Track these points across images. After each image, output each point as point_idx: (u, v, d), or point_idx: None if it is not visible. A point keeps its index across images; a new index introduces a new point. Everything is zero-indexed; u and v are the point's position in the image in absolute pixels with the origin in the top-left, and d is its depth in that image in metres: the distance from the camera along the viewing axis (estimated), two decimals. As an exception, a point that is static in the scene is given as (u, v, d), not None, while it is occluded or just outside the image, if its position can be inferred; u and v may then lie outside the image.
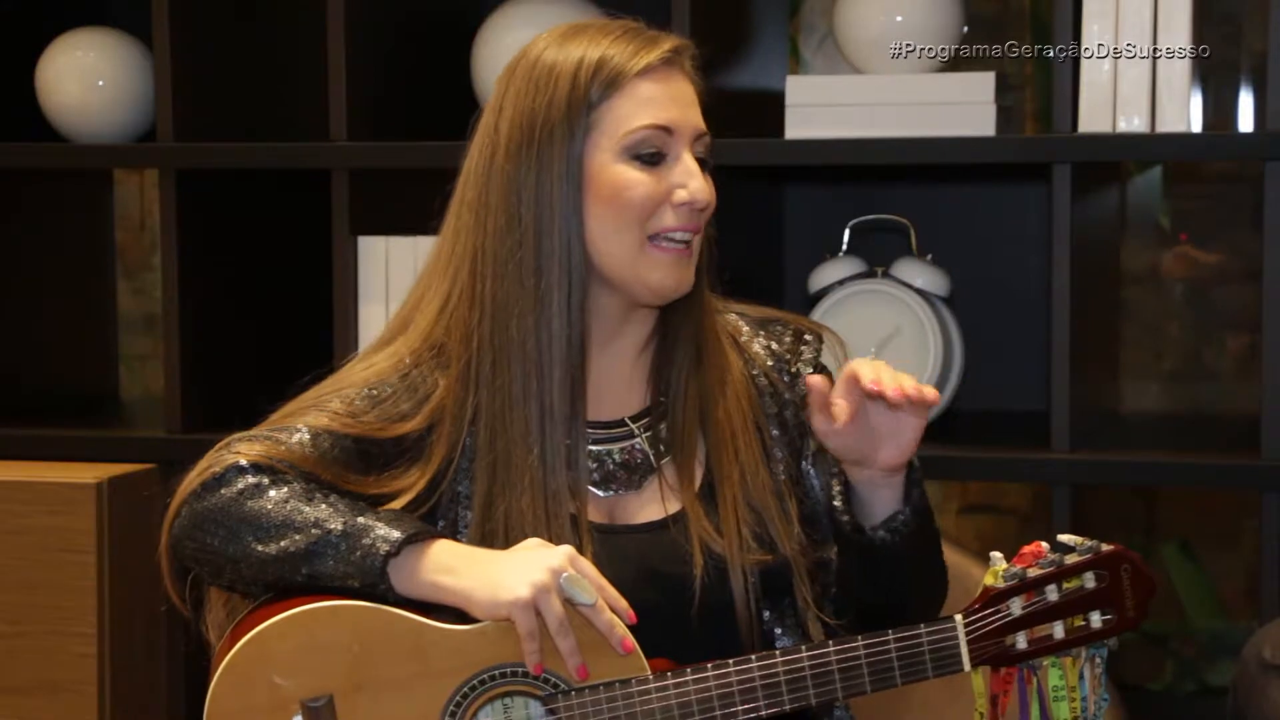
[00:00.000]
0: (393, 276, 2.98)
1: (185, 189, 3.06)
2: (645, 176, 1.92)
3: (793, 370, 2.04)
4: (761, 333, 2.07)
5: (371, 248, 2.99)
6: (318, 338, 3.08)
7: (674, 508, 1.97)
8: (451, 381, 1.94)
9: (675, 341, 2.00)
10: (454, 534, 1.93)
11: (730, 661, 1.83)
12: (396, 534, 1.83)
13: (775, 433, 2.02)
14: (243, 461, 1.88)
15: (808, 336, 2.07)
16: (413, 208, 3.04)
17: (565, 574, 1.79)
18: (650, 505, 1.98)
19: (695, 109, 1.96)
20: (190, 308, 3.07)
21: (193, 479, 1.90)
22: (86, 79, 3.21)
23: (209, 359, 3.12)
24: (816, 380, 1.87)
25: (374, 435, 1.93)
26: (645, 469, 1.99)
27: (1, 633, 2.81)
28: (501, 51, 3.01)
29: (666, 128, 1.92)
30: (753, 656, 1.84)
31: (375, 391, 1.95)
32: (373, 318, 2.98)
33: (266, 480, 1.87)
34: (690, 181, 1.92)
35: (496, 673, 1.82)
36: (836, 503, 1.95)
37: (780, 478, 2.00)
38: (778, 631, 1.97)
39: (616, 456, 1.99)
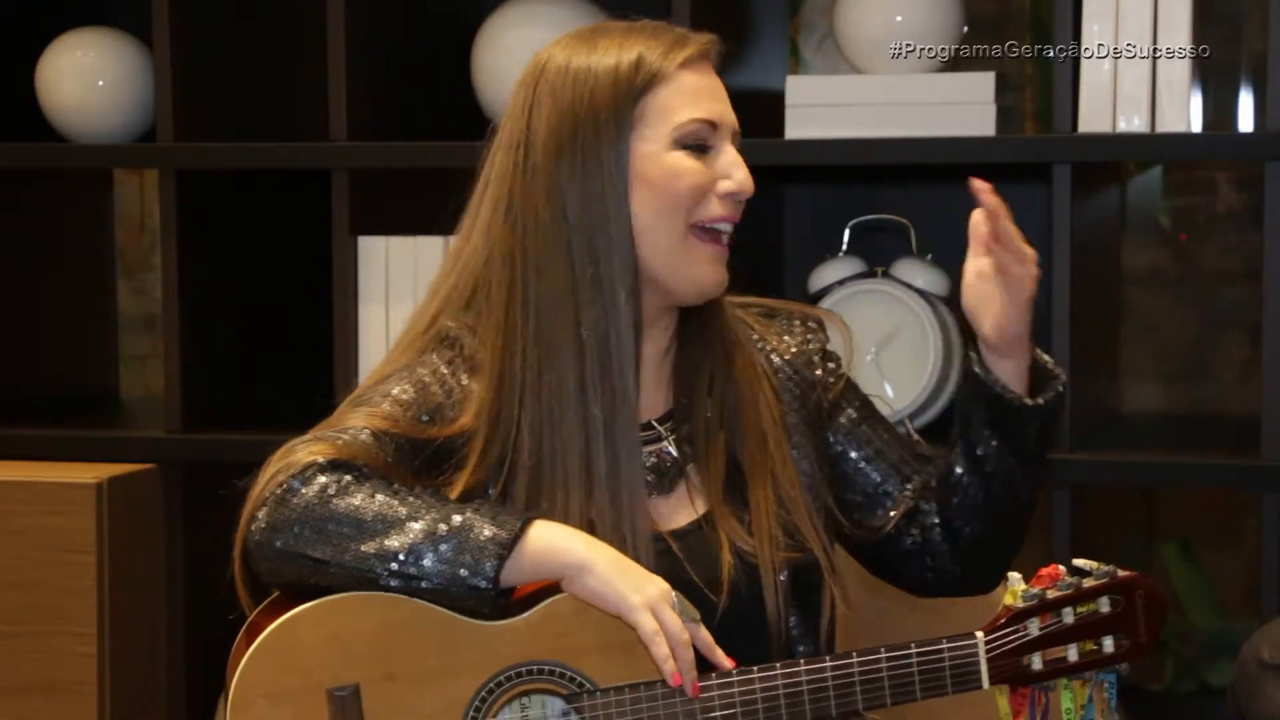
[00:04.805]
0: (393, 277, 2.98)
1: (185, 189, 3.06)
2: (696, 165, 1.93)
3: (811, 358, 2.05)
4: (773, 325, 2.07)
5: (371, 248, 2.99)
6: (318, 338, 3.08)
7: (703, 509, 1.96)
8: (486, 389, 1.92)
9: (696, 343, 2.00)
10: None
11: (755, 669, 1.83)
12: (504, 534, 1.79)
13: (797, 421, 2.01)
14: (319, 459, 1.82)
15: (811, 324, 2.08)
16: (413, 208, 3.05)
17: (673, 594, 1.80)
18: (679, 510, 1.97)
19: (729, 104, 1.98)
20: (190, 308, 3.07)
21: (266, 483, 1.83)
22: (86, 79, 3.20)
23: (209, 359, 3.11)
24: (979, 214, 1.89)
25: (419, 436, 1.89)
26: (675, 473, 1.98)
27: (1, 633, 2.80)
28: (501, 51, 3.01)
29: (712, 121, 1.94)
30: (777, 665, 1.83)
31: (416, 395, 1.92)
32: (372, 318, 2.98)
33: (349, 478, 1.82)
34: (736, 172, 1.95)
35: (523, 669, 1.82)
36: (971, 353, 1.97)
37: (807, 475, 1.99)
38: (798, 641, 1.95)
39: (647, 461, 1.97)
